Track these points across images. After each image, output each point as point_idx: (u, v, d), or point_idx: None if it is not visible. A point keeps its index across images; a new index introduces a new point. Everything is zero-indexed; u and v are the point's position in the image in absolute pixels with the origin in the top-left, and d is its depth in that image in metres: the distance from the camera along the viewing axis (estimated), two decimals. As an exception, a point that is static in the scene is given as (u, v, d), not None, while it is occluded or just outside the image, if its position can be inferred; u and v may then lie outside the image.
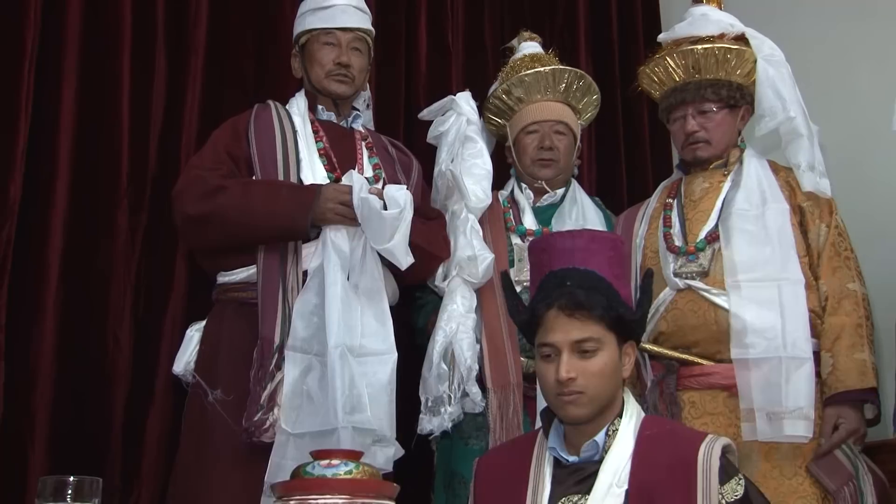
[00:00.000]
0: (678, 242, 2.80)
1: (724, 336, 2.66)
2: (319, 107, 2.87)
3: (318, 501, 1.66)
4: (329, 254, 2.55)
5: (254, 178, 2.69)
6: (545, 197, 3.08)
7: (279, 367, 2.46)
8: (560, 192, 3.12)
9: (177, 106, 3.11)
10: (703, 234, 2.77)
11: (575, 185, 3.19)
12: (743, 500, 1.99)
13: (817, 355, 2.65)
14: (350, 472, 1.72)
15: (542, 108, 3.11)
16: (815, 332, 2.67)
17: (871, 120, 3.32)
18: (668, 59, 2.89)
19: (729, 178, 2.85)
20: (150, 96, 3.06)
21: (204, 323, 2.71)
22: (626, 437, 2.09)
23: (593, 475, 2.04)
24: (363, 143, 2.87)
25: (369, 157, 2.86)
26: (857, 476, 2.59)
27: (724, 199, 2.81)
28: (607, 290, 2.10)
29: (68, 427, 2.77)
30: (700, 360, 2.70)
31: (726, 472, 2.00)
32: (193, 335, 2.69)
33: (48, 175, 2.86)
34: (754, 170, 2.82)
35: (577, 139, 3.17)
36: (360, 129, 2.93)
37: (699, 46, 2.86)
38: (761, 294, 2.63)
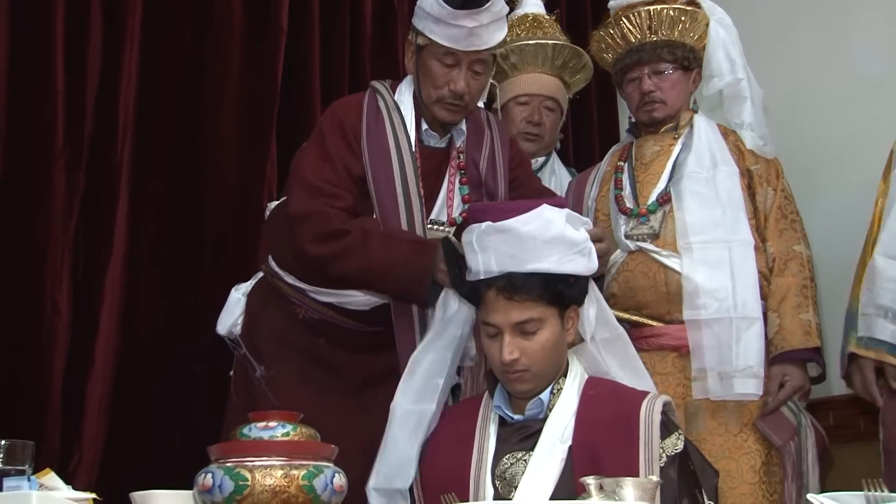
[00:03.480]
0: (629, 204, 2.80)
1: (674, 297, 2.68)
2: (424, 127, 2.56)
3: (255, 463, 1.64)
4: None
5: (373, 214, 2.46)
6: None
7: None
8: (540, 160, 3.14)
9: (114, 66, 3.02)
10: (654, 196, 2.78)
11: (554, 156, 3.21)
12: (683, 454, 2.02)
13: (765, 316, 2.68)
14: (287, 433, 1.70)
15: (535, 80, 3.12)
16: (763, 294, 2.70)
17: (812, 80, 3.36)
18: (623, 19, 2.87)
19: (679, 140, 2.85)
20: (86, 56, 2.97)
21: (248, 287, 2.63)
22: (570, 395, 2.11)
23: (538, 432, 2.07)
24: (457, 168, 2.58)
25: (460, 184, 2.59)
26: (800, 431, 2.63)
27: (675, 161, 2.81)
28: None
29: (5, 392, 2.73)
30: (650, 322, 2.72)
31: (667, 428, 2.03)
32: (240, 299, 2.60)
33: (-21, 137, 2.79)
34: (704, 133, 2.82)
35: (563, 114, 3.19)
36: (459, 143, 2.61)
37: (654, 6, 2.85)
38: (712, 256, 2.66)
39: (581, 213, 2.74)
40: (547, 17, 3.24)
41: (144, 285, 3.02)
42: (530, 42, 3.09)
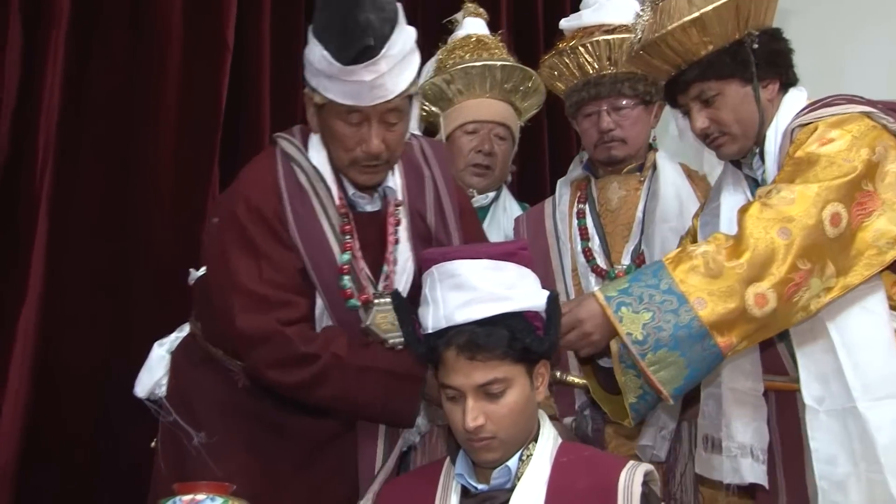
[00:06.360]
0: (602, 262, 2.69)
1: None
2: (352, 192, 2.31)
3: (180, 540, 1.54)
4: None
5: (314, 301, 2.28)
6: (474, 200, 2.85)
7: None
8: (491, 195, 2.99)
9: (33, 82, 2.85)
10: (627, 256, 2.68)
11: (505, 191, 3.09)
12: (666, 530, 1.87)
13: None
14: (215, 508, 1.62)
15: (484, 105, 2.94)
16: None
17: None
18: (579, 48, 2.72)
19: (645, 184, 2.74)
20: (2, 71, 2.79)
21: (172, 343, 2.46)
22: (542, 463, 1.98)
23: (504, 504, 1.97)
24: (395, 227, 2.36)
25: (407, 239, 2.38)
26: None
27: (644, 209, 2.71)
28: (510, 319, 1.94)
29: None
30: None
31: (648, 501, 1.92)
32: (164, 356, 2.44)
33: None
34: (671, 177, 2.73)
35: (515, 143, 3.02)
36: (393, 199, 2.38)
37: (615, 36, 2.69)
38: None
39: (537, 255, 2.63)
40: (492, 37, 3.07)
41: (64, 332, 2.86)
42: (476, 64, 2.91)
